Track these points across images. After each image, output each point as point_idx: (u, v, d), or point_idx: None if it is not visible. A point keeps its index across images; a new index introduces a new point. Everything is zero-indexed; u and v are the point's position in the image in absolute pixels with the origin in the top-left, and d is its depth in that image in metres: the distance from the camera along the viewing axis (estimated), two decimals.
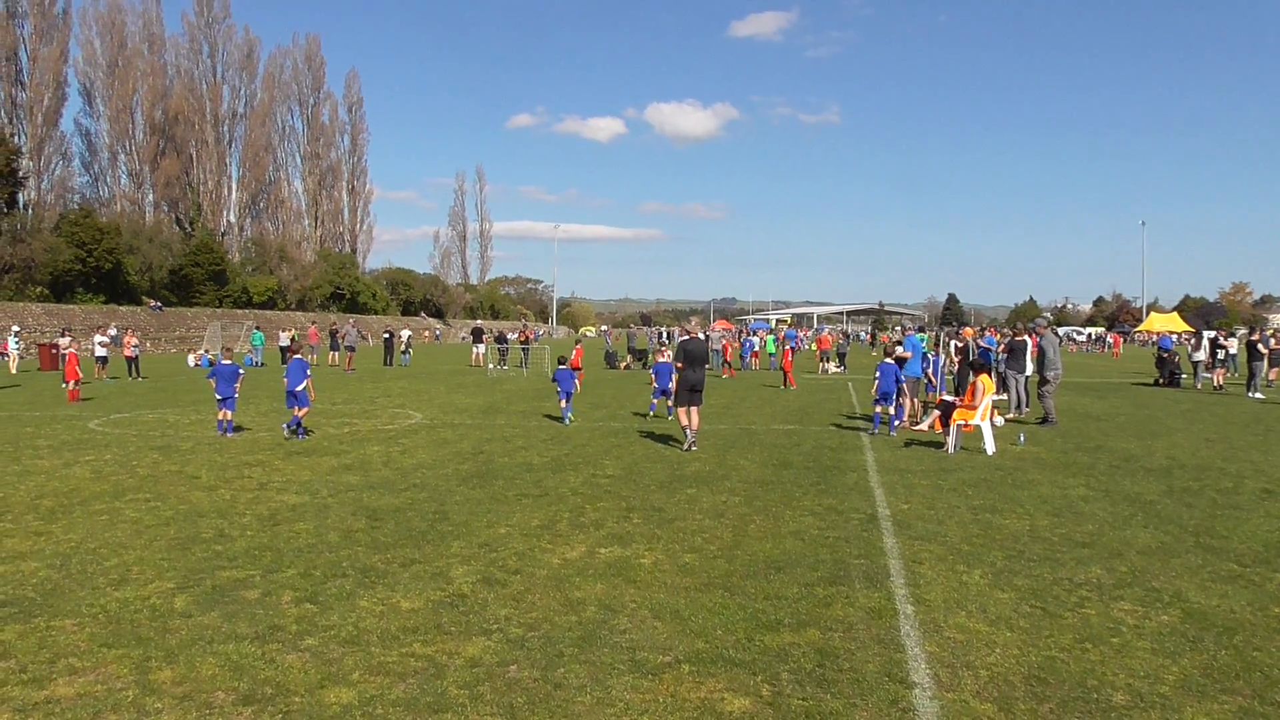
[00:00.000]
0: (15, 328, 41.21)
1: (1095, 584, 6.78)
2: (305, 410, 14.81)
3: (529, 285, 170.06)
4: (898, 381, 15.96)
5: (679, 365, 13.99)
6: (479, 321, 62.15)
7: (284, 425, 15.07)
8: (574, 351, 25.66)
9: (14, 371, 33.42)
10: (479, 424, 16.99)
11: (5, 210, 63.98)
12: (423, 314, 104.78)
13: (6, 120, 66.80)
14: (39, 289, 62.64)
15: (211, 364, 15.19)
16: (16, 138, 66.52)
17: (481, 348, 39.91)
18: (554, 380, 17.52)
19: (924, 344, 20.96)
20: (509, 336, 43.33)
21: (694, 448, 13.42)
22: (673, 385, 15.05)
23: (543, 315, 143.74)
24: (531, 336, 43.71)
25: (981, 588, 6.65)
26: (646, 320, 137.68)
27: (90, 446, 13.82)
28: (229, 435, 14.88)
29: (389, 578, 6.79)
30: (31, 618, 5.84)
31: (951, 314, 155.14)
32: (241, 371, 15.72)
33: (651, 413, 18.34)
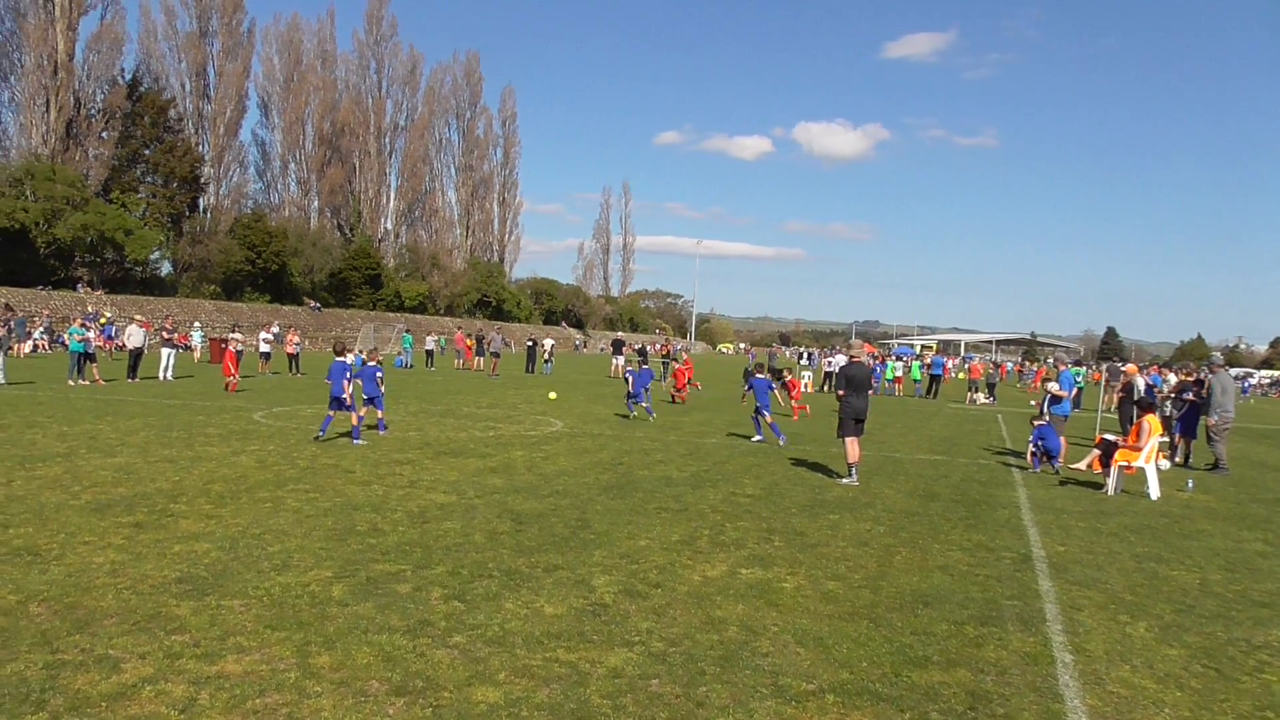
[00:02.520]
0: (197, 323, 44.10)
1: (1277, 648, 6.29)
2: (358, 414, 14.55)
3: (669, 300, 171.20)
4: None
5: (840, 393, 12.99)
6: (619, 334, 62.83)
7: (351, 436, 14.50)
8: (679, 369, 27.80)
9: (196, 361, 35.79)
10: (618, 435, 17.13)
11: (188, 213, 68.58)
12: (564, 324, 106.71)
13: (192, 131, 71.62)
14: (213, 287, 66.80)
15: (364, 364, 15.61)
16: (200, 147, 71.23)
17: (621, 359, 40.32)
18: (625, 378, 18.16)
19: (1079, 379, 20.05)
20: (649, 349, 43.60)
21: (856, 483, 12.48)
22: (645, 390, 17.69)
23: (681, 330, 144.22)
24: (671, 350, 43.85)
25: (1148, 641, 6.27)
26: (785, 340, 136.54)
27: (255, 437, 14.57)
28: (381, 432, 15.44)
29: (533, 582, 6.89)
30: (204, 595, 6.18)
31: (1110, 349, 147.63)
32: (380, 372, 15.88)
33: (632, 414, 19.71)
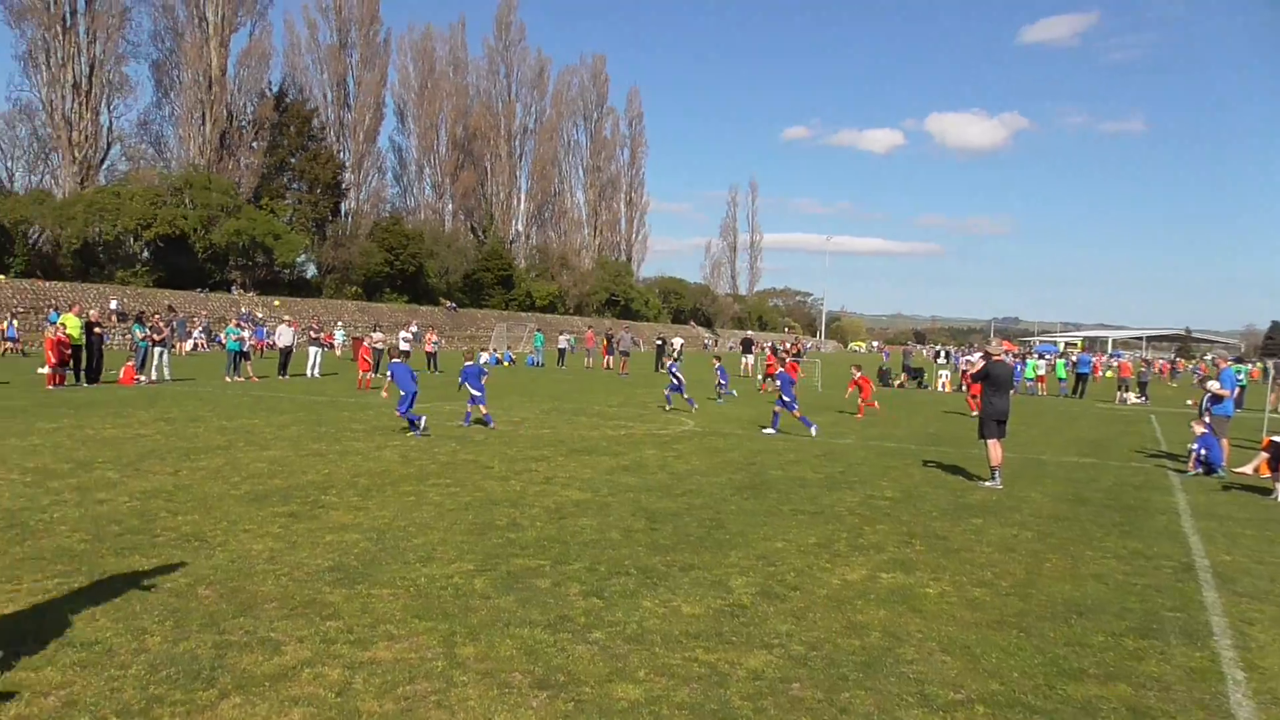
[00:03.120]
0: (339, 322, 46.07)
1: None
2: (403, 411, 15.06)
3: (797, 298, 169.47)
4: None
5: (974, 390, 12.55)
6: (748, 332, 62.48)
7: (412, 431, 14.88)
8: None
9: (339, 358, 37.42)
10: (749, 434, 17.02)
11: (330, 218, 71.64)
12: (692, 322, 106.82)
13: (334, 139, 74.76)
14: (354, 288, 69.53)
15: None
16: (341, 154, 74.28)
17: (750, 358, 40.08)
18: (776, 379, 18.08)
19: (1242, 377, 18.83)
20: (778, 348, 43.21)
21: (1000, 486, 12.03)
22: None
23: (811, 328, 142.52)
24: (801, 349, 43.34)
25: None
26: (921, 338, 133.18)
27: (397, 433, 15.07)
28: (487, 424, 15.98)
29: (669, 580, 6.89)
30: (355, 584, 6.41)
31: (1275, 344, 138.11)
32: (486, 371, 16.80)
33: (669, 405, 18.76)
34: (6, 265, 51.63)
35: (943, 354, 58.44)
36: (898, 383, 38.19)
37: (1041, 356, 44.05)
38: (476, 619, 5.80)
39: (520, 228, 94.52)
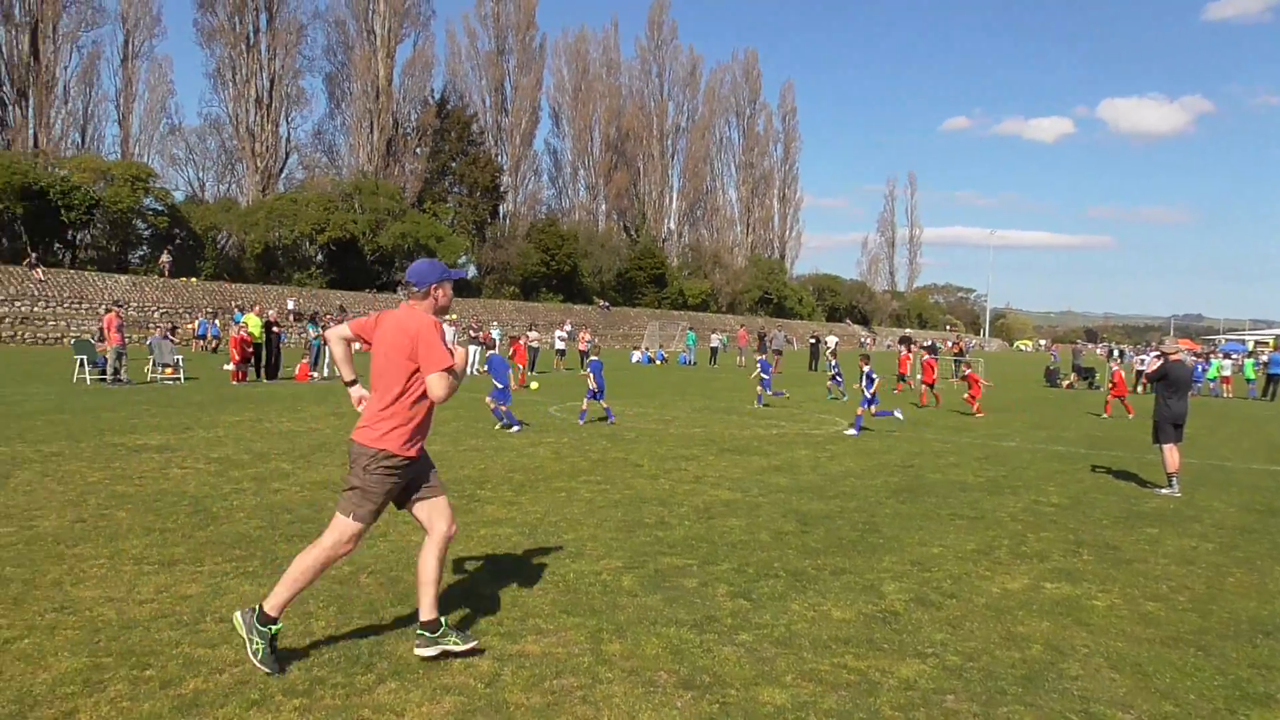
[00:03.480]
0: (495, 321, 47.39)
1: None
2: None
3: (959, 294, 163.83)
4: None
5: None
6: (907, 330, 60.88)
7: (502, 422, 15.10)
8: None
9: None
10: (906, 436, 16.54)
11: (489, 220, 73.92)
12: (848, 320, 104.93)
13: (492, 143, 77.10)
14: (511, 288, 71.50)
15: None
16: (499, 158, 76.54)
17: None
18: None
19: None
20: (938, 346, 41.91)
21: (1178, 493, 11.24)
22: (593, 385, 16.51)
23: (974, 326, 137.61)
24: (964, 347, 41.89)
25: None
26: (1092, 336, 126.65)
27: (550, 430, 15.37)
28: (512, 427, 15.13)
29: (819, 584, 6.75)
30: (506, 578, 6.54)
31: None
32: (509, 365, 16.93)
33: (581, 421, 16.83)
34: (198, 269, 55.58)
35: (1116, 353, 55.20)
36: (1066, 383, 36.40)
37: (1227, 356, 41.12)
38: (623, 616, 5.82)
39: (672, 226, 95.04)
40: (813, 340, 44.08)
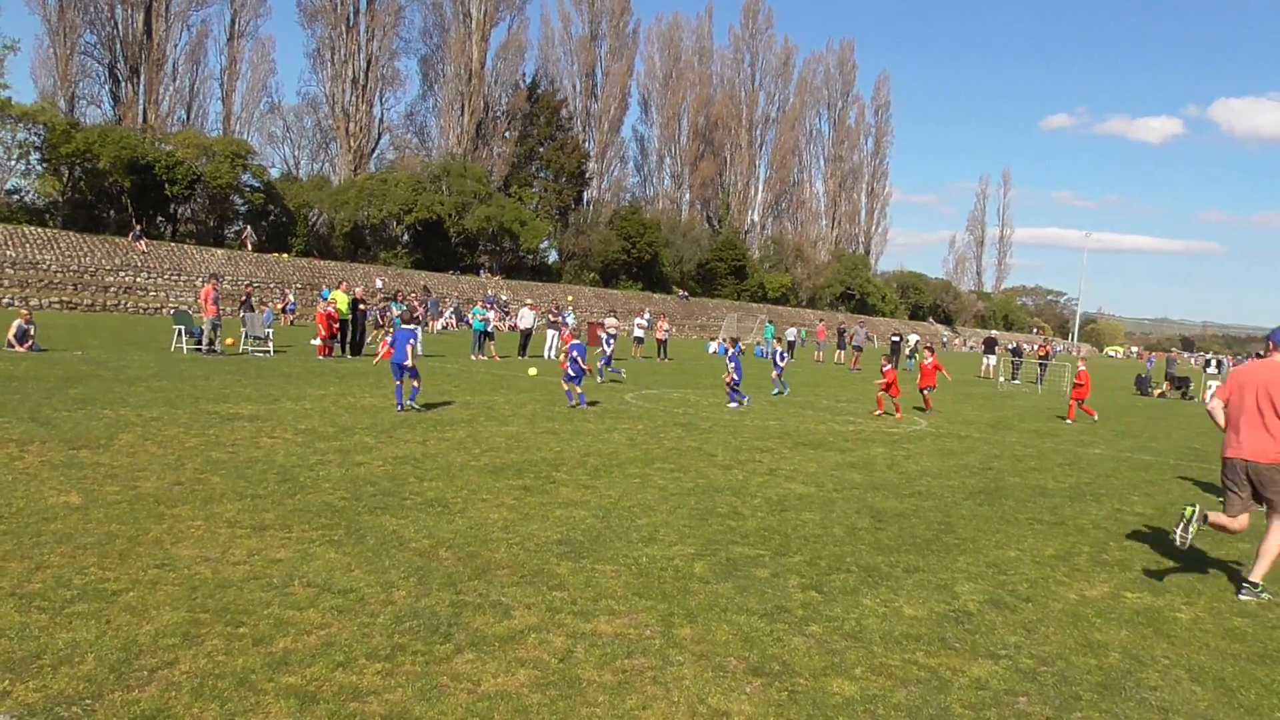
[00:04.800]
0: (572, 307, 47.88)
1: None
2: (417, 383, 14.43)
3: (1049, 297, 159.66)
4: None
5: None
6: (993, 332, 59.69)
7: (409, 402, 14.26)
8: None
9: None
10: (986, 438, 16.27)
11: (573, 206, 74.44)
12: (931, 319, 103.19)
13: (580, 128, 77.52)
14: (592, 275, 71.93)
15: (728, 352, 16.31)
16: (587, 143, 76.94)
17: (993, 359, 38.20)
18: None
19: None
20: (1025, 349, 41.02)
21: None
22: (586, 367, 16.50)
23: (1062, 330, 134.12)
24: (1050, 352, 40.91)
25: None
26: (1188, 345, 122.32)
27: (626, 417, 15.49)
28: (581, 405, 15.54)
29: (892, 581, 6.72)
30: (580, 559, 6.67)
31: None
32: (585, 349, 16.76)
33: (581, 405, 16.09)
34: (289, 245, 57.13)
35: (1214, 363, 53.14)
36: (1158, 392, 35.31)
37: None
38: (695, 602, 5.89)
39: (756, 218, 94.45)
40: (894, 338, 43.47)
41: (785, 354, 22.78)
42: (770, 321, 52.73)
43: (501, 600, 5.63)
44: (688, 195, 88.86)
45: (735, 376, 18.56)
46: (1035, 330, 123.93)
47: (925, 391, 20.53)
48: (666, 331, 35.15)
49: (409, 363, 14.06)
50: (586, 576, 6.25)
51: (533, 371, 22.55)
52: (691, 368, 30.45)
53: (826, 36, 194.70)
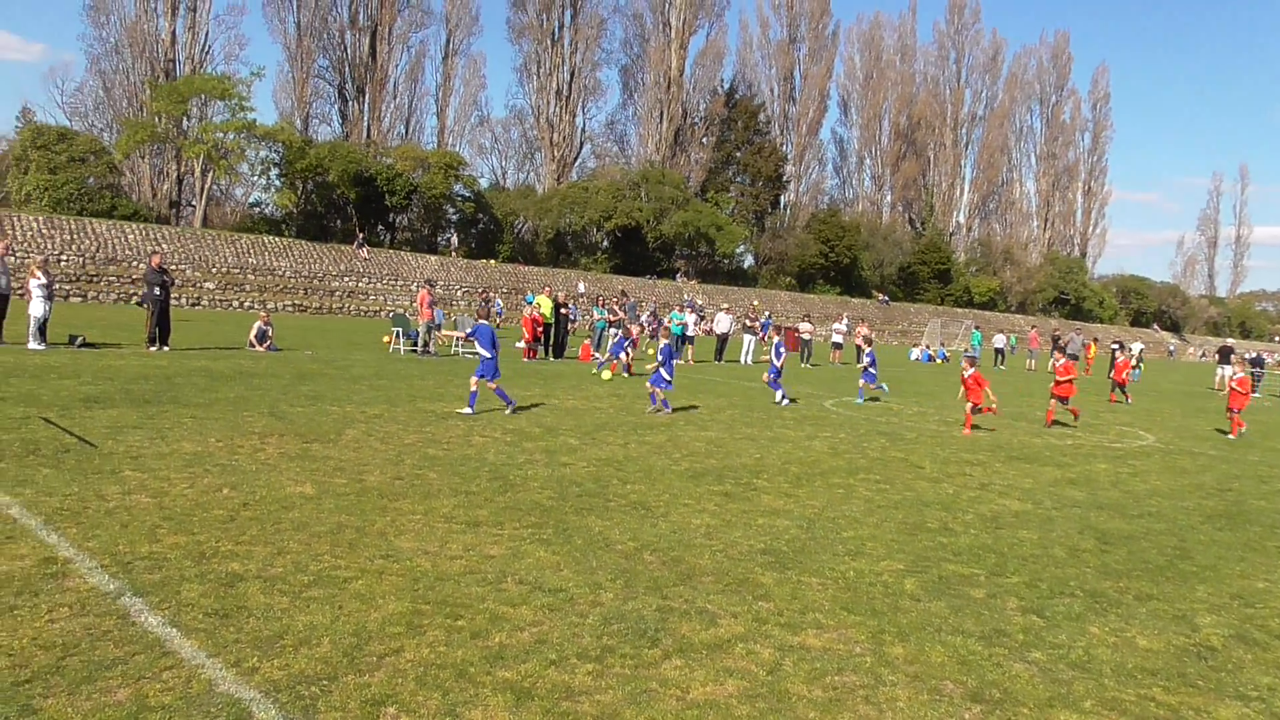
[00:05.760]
0: (767, 311, 47.63)
1: None
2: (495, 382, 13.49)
3: None
4: None
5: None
6: (1228, 340, 55.05)
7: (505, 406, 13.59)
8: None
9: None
10: (1224, 456, 14.96)
11: (770, 210, 74.07)
12: (1155, 326, 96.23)
13: (778, 132, 77.06)
14: (788, 279, 71.31)
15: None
16: (784, 147, 76.39)
17: (1228, 369, 35.09)
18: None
19: None
20: (1266, 359, 37.56)
21: None
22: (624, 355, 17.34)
23: None
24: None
25: None
26: None
27: (826, 424, 15.21)
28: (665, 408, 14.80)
29: (1122, 608, 6.26)
30: (785, 569, 6.56)
31: None
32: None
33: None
34: (496, 251, 59.67)
35: None
36: None
37: None
38: (906, 620, 5.68)
39: (961, 219, 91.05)
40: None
41: (872, 354, 20.57)
42: (976, 327, 50.56)
43: (707, 608, 5.61)
44: (889, 197, 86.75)
45: (775, 363, 17.58)
46: (1275, 339, 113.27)
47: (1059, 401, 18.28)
48: (865, 337, 34.32)
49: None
50: (792, 588, 6.14)
51: (606, 375, 21.68)
52: (893, 376, 29.58)
53: (1038, 29, 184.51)
